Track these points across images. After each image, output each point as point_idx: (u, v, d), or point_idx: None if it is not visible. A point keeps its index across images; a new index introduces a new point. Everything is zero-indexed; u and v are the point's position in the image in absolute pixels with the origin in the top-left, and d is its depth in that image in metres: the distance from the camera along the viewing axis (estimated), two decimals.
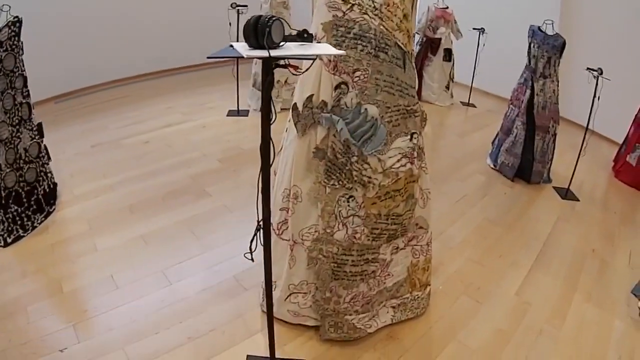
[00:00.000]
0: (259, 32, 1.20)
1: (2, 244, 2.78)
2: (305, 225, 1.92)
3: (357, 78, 1.72)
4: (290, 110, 1.91)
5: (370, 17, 1.66)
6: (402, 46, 1.74)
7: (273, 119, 1.37)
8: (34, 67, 4.74)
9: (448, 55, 5.87)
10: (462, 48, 5.91)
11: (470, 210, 3.43)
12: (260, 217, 1.53)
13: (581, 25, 5.34)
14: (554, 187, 3.91)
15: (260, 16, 1.24)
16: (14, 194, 2.88)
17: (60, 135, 4.26)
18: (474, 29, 5.60)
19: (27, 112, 2.91)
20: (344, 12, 1.67)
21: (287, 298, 2.06)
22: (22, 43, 2.79)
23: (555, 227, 3.29)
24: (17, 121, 2.83)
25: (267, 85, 1.29)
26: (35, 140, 2.99)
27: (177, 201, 3.27)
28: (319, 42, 1.71)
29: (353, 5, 1.65)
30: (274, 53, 1.22)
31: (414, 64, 1.86)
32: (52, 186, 3.19)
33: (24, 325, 2.12)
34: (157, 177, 3.61)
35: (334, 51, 1.44)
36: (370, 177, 1.80)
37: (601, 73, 3.33)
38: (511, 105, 3.97)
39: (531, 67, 3.70)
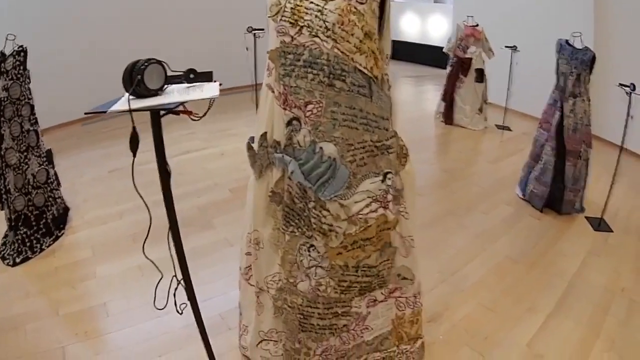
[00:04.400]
0: (133, 79, 1.08)
1: (11, 263, 2.86)
2: (269, 273, 1.76)
3: (310, 112, 1.49)
4: (246, 150, 1.74)
5: (321, 39, 1.43)
6: (364, 71, 1.49)
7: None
8: (60, 89, 5.03)
9: (480, 75, 5.60)
10: (495, 67, 5.64)
11: (490, 247, 3.14)
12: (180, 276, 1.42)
13: (615, 37, 4.97)
14: (587, 218, 3.54)
15: (138, 61, 1.12)
16: (23, 217, 2.95)
17: (82, 159, 4.40)
18: (505, 47, 5.33)
19: (35, 139, 3.00)
20: (292, 37, 1.46)
21: (258, 344, 1.91)
22: (28, 72, 2.89)
23: (584, 263, 2.95)
24: (24, 147, 2.92)
25: (133, 140, 1.17)
26: (43, 166, 3.07)
27: (183, 231, 3.22)
28: (270, 74, 1.56)
29: (302, 27, 1.43)
30: (139, 104, 1.10)
31: (386, 91, 1.61)
32: (61, 211, 3.26)
33: (22, 342, 2.25)
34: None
35: (214, 93, 1.27)
36: (331, 225, 1.56)
37: (634, 89, 3.01)
38: (540, 129, 3.67)
39: (560, 85, 3.40)
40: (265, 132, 1.64)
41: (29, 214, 2.98)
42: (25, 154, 2.92)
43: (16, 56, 2.76)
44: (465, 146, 5.39)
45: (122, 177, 4.12)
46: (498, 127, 5.88)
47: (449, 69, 5.85)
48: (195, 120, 1.32)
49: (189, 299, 1.53)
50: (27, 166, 2.93)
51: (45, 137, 3.21)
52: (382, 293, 1.75)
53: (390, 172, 1.61)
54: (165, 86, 1.19)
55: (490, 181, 4.30)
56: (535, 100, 5.44)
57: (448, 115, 5.94)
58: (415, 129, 5.91)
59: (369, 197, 1.57)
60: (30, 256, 2.93)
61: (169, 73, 1.19)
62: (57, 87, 4.92)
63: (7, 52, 2.76)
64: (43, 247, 3.01)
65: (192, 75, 1.20)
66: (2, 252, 2.92)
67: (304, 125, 1.52)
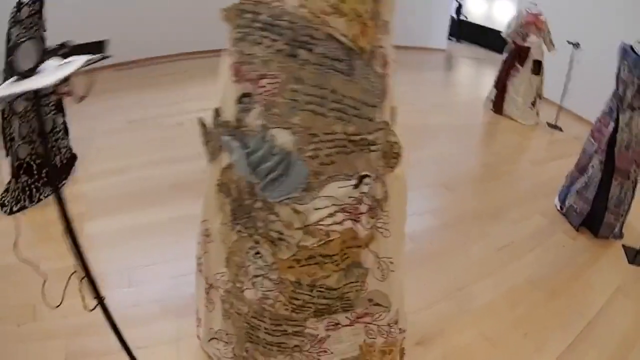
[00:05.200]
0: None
1: (7, 211, 2.84)
2: (218, 271, 1.54)
3: (264, 88, 1.18)
4: (199, 127, 1.45)
5: None
6: (342, 39, 1.13)
7: None
8: (94, 33, 4.94)
9: (537, 68, 5.06)
10: (554, 61, 5.06)
11: (511, 264, 2.79)
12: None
13: None
14: (624, 246, 3.10)
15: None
16: (25, 165, 2.92)
17: (106, 105, 4.31)
18: (568, 42, 4.75)
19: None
20: None
21: (209, 340, 1.74)
22: (43, 21, 2.77)
23: (611, 300, 2.56)
24: (31, 96, 2.84)
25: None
26: (50, 115, 3.00)
27: (180, 195, 3.10)
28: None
29: None
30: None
31: (378, 69, 1.23)
32: (64, 161, 3.21)
33: (3, 291, 2.29)
34: (172, 165, 3.48)
35: (73, 68, 1.05)
36: (281, 233, 1.28)
37: None
38: (591, 138, 3.22)
39: (618, 94, 2.93)
40: (219, 108, 1.35)
41: (32, 163, 2.94)
42: (31, 101, 2.85)
43: (31, 5, 2.64)
44: (510, 140, 4.94)
45: (139, 128, 4.07)
46: (549, 125, 5.34)
47: (505, 55, 5.33)
48: (78, 102, 1.18)
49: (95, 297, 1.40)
50: (33, 114, 2.87)
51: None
52: (347, 317, 1.47)
53: (368, 176, 1.27)
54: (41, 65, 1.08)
55: (529, 185, 3.89)
56: (594, 104, 4.86)
57: (498, 104, 5.45)
58: (462, 114, 5.52)
59: (334, 204, 1.25)
60: (27, 205, 2.90)
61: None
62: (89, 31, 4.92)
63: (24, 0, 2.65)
64: (41, 197, 2.97)
65: (63, 50, 1.02)
66: (3, 199, 2.92)
67: (255, 105, 1.22)
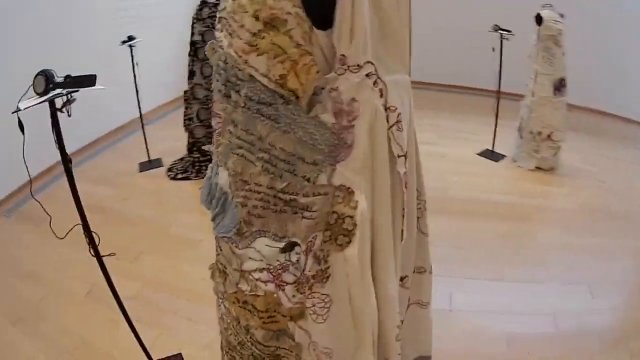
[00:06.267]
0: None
1: (172, 176, 3.36)
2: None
3: (216, 126, 1.15)
4: None
5: (224, 35, 1.03)
6: (263, 81, 0.97)
7: None
8: None
9: None
10: None
11: None
12: None
13: None
14: None
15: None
16: (199, 143, 3.31)
17: None
18: None
19: None
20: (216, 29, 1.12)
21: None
22: None
23: None
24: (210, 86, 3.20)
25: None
26: None
27: None
28: None
29: (220, 18, 1.06)
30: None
31: (322, 117, 0.97)
32: None
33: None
34: None
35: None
36: (225, 267, 1.21)
37: None
38: None
39: None
40: None
41: (206, 142, 3.30)
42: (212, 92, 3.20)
43: (212, 7, 3.01)
44: None
45: None
46: None
47: None
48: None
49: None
50: (212, 102, 3.21)
51: None
52: None
53: (298, 245, 1.06)
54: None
55: None
56: None
57: None
58: None
59: (261, 260, 1.11)
60: (191, 177, 3.33)
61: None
62: None
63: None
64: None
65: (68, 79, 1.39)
66: (173, 166, 3.36)
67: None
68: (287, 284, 1.09)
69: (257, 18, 0.95)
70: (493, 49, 3.57)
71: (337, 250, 1.02)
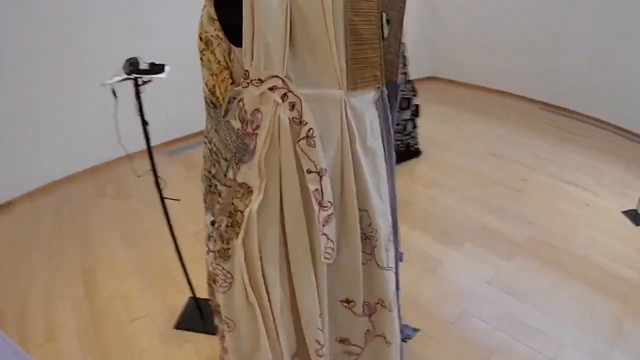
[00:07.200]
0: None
1: None
2: None
3: None
4: None
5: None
6: (205, 90, 1.22)
7: None
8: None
9: None
10: None
11: None
12: None
13: None
14: None
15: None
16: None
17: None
18: None
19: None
20: None
21: None
22: None
23: None
24: None
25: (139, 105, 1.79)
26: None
27: None
28: None
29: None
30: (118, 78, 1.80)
31: (232, 122, 1.18)
32: (403, 148, 4.03)
33: None
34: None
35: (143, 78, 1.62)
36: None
37: None
38: None
39: None
40: None
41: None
42: None
43: None
44: None
45: (476, 160, 4.21)
46: None
47: None
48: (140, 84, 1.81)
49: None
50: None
51: None
52: None
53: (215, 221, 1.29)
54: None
55: None
56: None
57: None
58: None
59: (207, 228, 1.38)
60: None
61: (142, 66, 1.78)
62: None
63: None
64: None
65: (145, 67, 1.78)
66: None
67: None
68: (210, 251, 1.31)
69: (201, 39, 1.15)
70: None
71: (234, 236, 1.18)
